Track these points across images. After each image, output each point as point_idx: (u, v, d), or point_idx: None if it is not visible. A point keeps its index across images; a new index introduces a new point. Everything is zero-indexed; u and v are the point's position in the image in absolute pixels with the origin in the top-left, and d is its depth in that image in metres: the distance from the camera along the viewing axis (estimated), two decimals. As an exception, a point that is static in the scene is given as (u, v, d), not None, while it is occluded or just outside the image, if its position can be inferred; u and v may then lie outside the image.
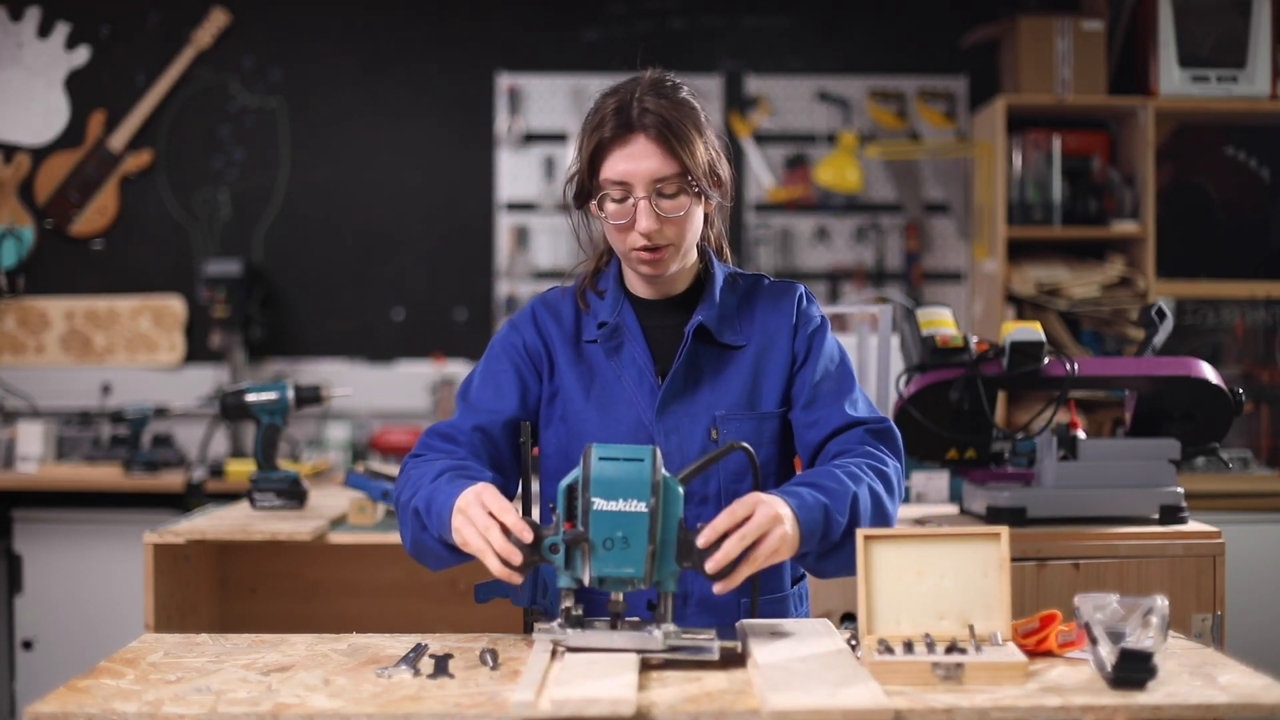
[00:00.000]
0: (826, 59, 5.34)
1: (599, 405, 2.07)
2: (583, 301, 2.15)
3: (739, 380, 2.08)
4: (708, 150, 2.04)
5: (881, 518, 1.96)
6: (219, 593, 3.39)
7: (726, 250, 2.24)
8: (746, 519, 1.77)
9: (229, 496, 4.08)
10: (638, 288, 2.14)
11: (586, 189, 2.04)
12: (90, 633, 4.59)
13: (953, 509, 3.14)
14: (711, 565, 1.73)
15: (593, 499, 1.71)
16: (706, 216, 2.13)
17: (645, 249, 2.01)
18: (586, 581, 1.73)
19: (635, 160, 1.98)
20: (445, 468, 1.96)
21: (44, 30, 5.24)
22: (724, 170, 2.09)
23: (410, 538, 1.98)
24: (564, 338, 2.12)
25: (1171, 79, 4.83)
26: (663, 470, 1.73)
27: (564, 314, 2.15)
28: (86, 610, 4.64)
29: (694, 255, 2.12)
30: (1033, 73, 4.91)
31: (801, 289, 2.18)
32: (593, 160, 2.01)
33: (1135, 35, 5.01)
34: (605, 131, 1.99)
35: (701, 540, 1.74)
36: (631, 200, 1.99)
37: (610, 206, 2.01)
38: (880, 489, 1.97)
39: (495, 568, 1.75)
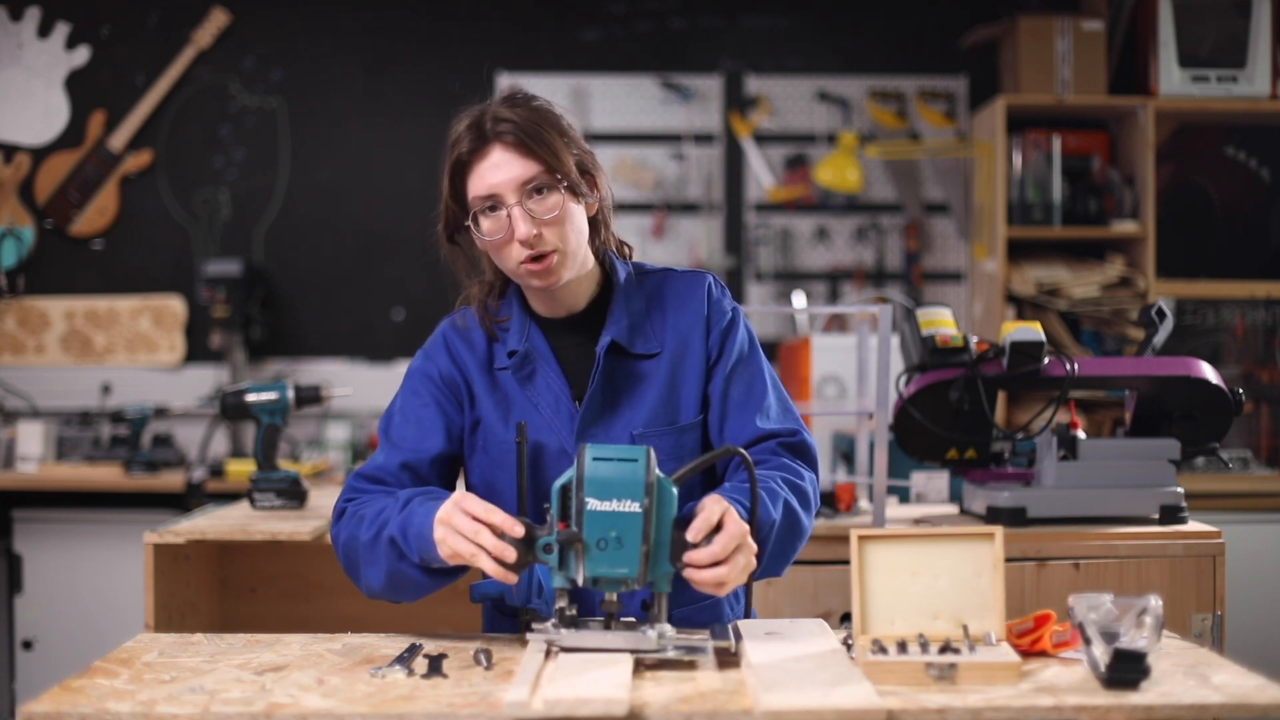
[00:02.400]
0: (826, 59, 5.34)
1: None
2: (489, 329, 2.09)
3: (655, 394, 2.05)
4: (572, 149, 2.00)
5: (794, 533, 1.97)
6: (219, 593, 3.38)
7: (627, 249, 2.18)
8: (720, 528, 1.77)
9: (229, 496, 4.08)
10: (541, 307, 2.09)
11: (456, 215, 1.99)
12: (90, 633, 4.59)
13: (953, 509, 3.14)
14: (699, 559, 1.74)
15: (586, 499, 1.71)
16: (594, 222, 2.08)
17: (531, 259, 1.96)
18: (580, 581, 1.73)
19: (497, 170, 1.94)
20: (412, 495, 1.93)
21: (44, 30, 5.24)
22: (596, 171, 2.05)
23: (385, 572, 1.92)
24: (478, 365, 2.08)
25: (1171, 79, 4.83)
26: (656, 471, 1.73)
27: (476, 340, 2.10)
28: (86, 610, 4.64)
29: (589, 262, 2.08)
30: (1033, 73, 4.90)
31: (710, 278, 2.13)
32: (454, 181, 1.98)
33: (1135, 35, 5.01)
34: (462, 148, 1.96)
35: (691, 535, 1.74)
36: (504, 211, 1.95)
37: (485, 224, 1.97)
38: (796, 504, 1.96)
39: (490, 569, 1.74)
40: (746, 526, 1.79)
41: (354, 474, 2.07)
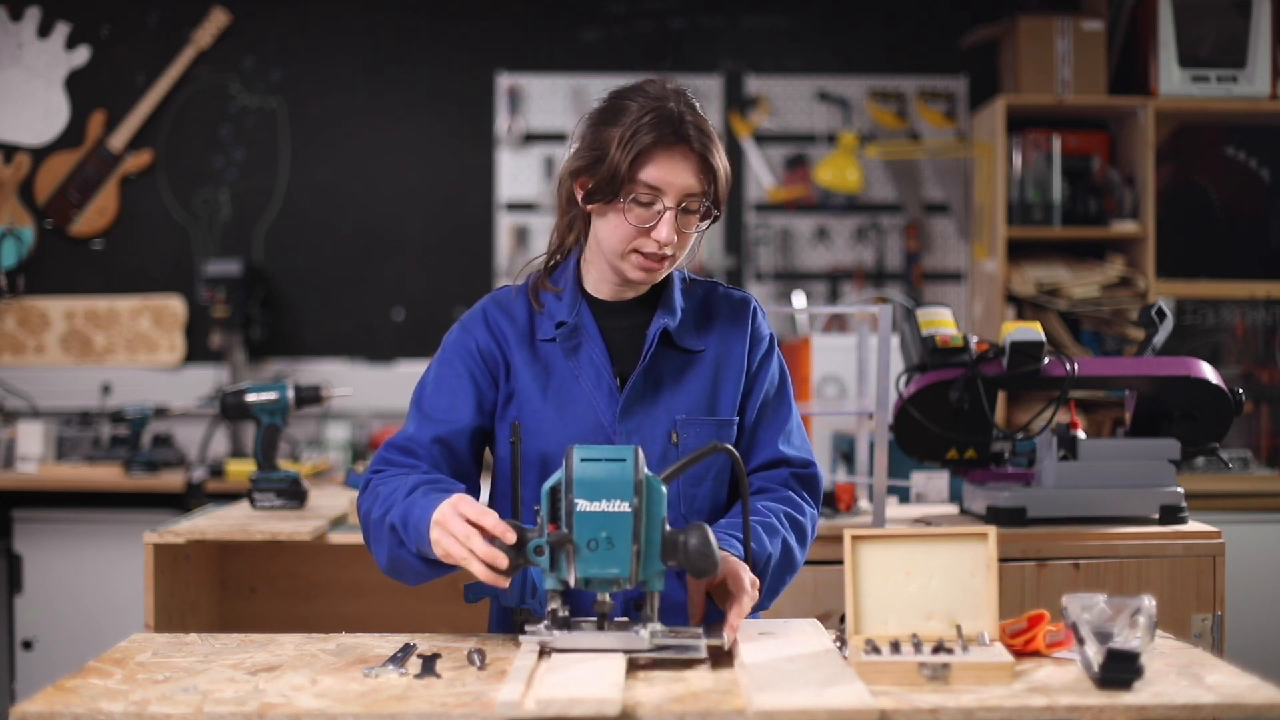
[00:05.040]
0: (826, 59, 5.33)
1: (556, 405, 2.07)
2: (536, 301, 2.13)
3: (698, 385, 2.10)
4: (727, 174, 2.05)
5: (788, 568, 2.07)
6: (219, 593, 3.39)
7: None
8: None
9: (229, 496, 4.08)
10: (601, 289, 2.13)
11: (615, 184, 2.00)
12: (90, 633, 4.60)
13: (953, 509, 3.14)
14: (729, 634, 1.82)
15: (576, 500, 1.71)
16: None
17: (651, 256, 2.01)
18: (572, 583, 1.73)
19: (675, 171, 1.98)
20: (418, 482, 1.95)
21: (44, 30, 5.24)
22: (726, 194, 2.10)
23: (387, 554, 1.96)
24: (519, 337, 2.11)
25: (1171, 79, 4.83)
26: (645, 470, 1.73)
27: (517, 313, 2.13)
28: (86, 610, 4.65)
29: None
30: (1033, 73, 4.90)
31: (754, 302, 2.20)
32: (635, 160, 1.98)
33: (1135, 35, 5.01)
34: (650, 135, 1.98)
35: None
36: (658, 207, 1.99)
37: (636, 209, 2.00)
38: (793, 541, 2.07)
39: (481, 573, 1.75)
40: (752, 579, 1.90)
41: (385, 444, 2.10)
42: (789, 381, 2.21)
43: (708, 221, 2.05)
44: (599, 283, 2.13)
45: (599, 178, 2.01)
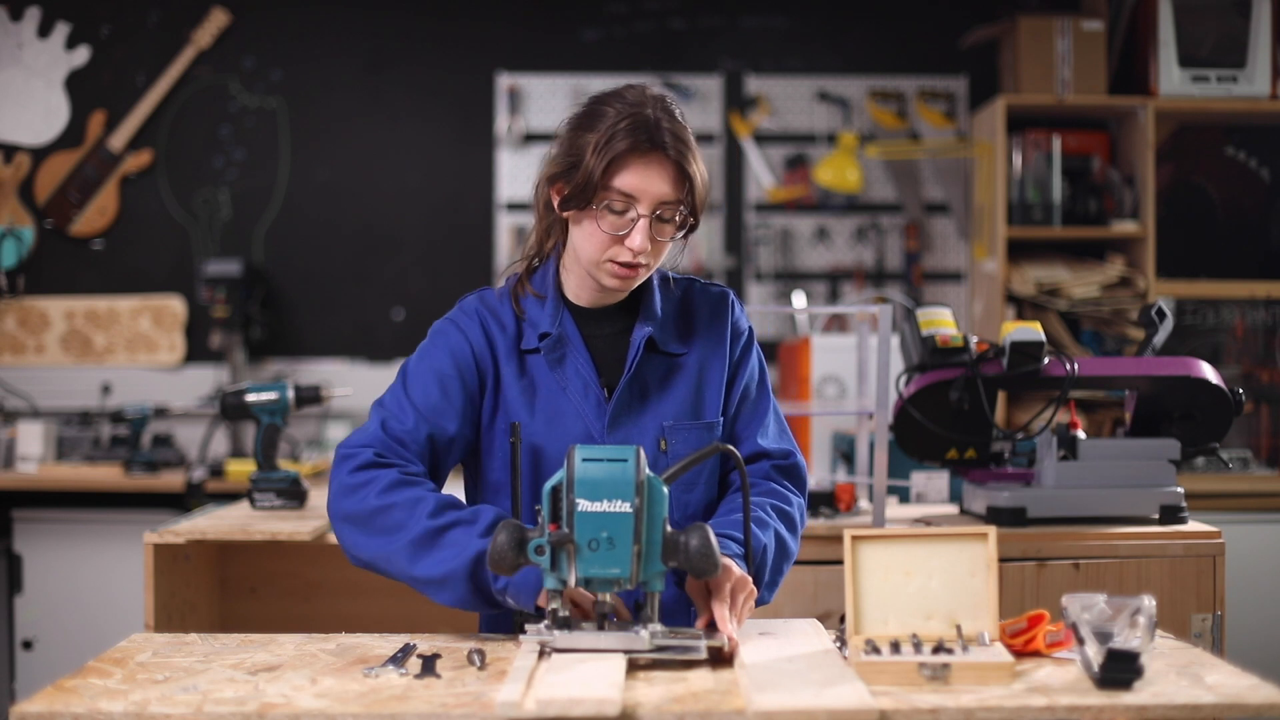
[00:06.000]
0: (826, 59, 5.33)
1: (546, 419, 2.06)
2: (518, 306, 2.11)
3: (683, 390, 2.10)
4: (705, 183, 2.03)
5: (783, 558, 2.06)
6: (219, 593, 3.38)
7: None
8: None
9: (229, 496, 4.08)
10: (580, 295, 2.12)
11: (589, 191, 1.98)
12: (90, 633, 4.59)
13: (953, 509, 3.14)
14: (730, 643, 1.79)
15: (577, 500, 1.71)
16: None
17: (625, 264, 2.00)
18: (572, 583, 1.73)
19: (649, 179, 1.96)
20: (497, 516, 1.93)
21: (44, 30, 5.24)
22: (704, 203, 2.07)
23: (442, 569, 1.91)
24: (508, 347, 2.09)
25: (1171, 79, 4.83)
26: (646, 470, 1.73)
27: (506, 320, 2.11)
28: (86, 610, 4.64)
29: None
30: (1033, 73, 4.90)
31: (732, 295, 2.19)
32: (609, 167, 1.96)
33: (1135, 35, 5.01)
34: (624, 142, 1.95)
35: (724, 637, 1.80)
36: (632, 214, 1.97)
37: (609, 217, 1.99)
38: (784, 530, 2.07)
39: None
40: (747, 577, 1.88)
41: (383, 426, 2.03)
42: (767, 374, 2.22)
43: (684, 230, 2.02)
44: (579, 289, 2.11)
45: (574, 184, 1.99)
